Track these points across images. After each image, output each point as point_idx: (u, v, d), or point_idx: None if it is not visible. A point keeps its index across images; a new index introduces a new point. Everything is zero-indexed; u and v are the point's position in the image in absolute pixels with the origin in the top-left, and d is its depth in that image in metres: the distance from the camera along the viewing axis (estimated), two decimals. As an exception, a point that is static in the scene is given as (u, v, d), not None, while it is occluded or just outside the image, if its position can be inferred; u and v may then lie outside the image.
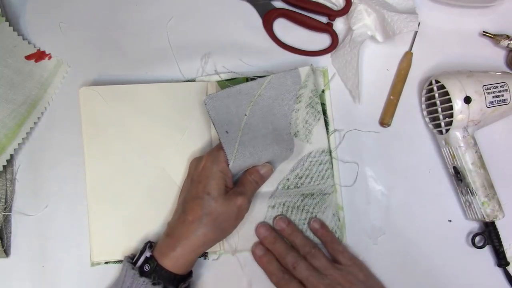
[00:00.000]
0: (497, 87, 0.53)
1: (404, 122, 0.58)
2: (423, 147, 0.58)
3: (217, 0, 0.61)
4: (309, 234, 0.55)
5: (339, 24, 0.61)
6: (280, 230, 0.54)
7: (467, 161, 0.54)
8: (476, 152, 0.54)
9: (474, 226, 0.57)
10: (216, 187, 0.49)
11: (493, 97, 0.53)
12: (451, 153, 0.55)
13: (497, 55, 0.60)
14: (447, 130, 0.54)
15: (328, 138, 0.57)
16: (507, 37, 0.58)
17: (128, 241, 0.54)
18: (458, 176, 0.55)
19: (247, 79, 0.58)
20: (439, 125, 0.55)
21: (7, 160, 0.54)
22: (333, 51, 0.60)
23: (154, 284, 0.47)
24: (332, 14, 0.59)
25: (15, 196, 0.56)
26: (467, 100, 0.52)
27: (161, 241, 0.50)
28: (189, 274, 0.50)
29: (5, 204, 0.55)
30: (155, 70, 0.59)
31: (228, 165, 0.51)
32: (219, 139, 0.51)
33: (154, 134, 0.56)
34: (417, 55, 0.59)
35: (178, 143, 0.56)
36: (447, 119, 0.54)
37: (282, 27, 0.61)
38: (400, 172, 0.58)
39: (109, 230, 0.54)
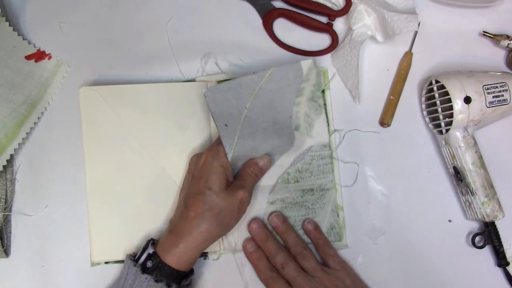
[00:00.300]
0: (497, 87, 0.53)
1: (404, 122, 0.58)
2: (423, 147, 0.58)
3: (217, 0, 0.61)
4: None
5: (339, 24, 0.61)
6: (274, 227, 0.54)
7: (467, 161, 0.54)
8: (476, 152, 0.54)
9: (474, 226, 0.57)
10: (218, 181, 0.49)
11: (493, 97, 0.53)
12: (451, 153, 0.55)
13: (497, 55, 0.60)
14: (447, 130, 0.54)
15: (329, 132, 0.57)
16: (507, 37, 0.58)
17: (128, 241, 0.54)
18: (458, 176, 0.55)
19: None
20: (439, 125, 0.55)
21: (7, 160, 0.54)
22: (333, 51, 0.60)
23: (156, 281, 0.46)
24: (332, 14, 0.59)
25: (15, 196, 0.56)
26: (467, 100, 0.52)
27: (163, 238, 0.50)
28: (191, 271, 0.50)
29: (5, 204, 0.55)
30: (155, 70, 0.59)
31: (228, 160, 0.51)
32: (218, 132, 0.51)
33: (154, 134, 0.56)
34: (417, 55, 0.59)
35: (178, 143, 0.56)
36: (447, 119, 0.54)
37: (282, 27, 0.61)
38: (400, 172, 0.58)
39: (109, 230, 0.54)
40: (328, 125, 0.58)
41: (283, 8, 0.60)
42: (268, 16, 0.60)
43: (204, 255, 0.55)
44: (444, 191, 0.58)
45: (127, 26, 0.60)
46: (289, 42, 0.60)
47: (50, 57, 0.59)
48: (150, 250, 0.49)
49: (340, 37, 0.60)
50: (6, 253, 0.54)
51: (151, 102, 0.56)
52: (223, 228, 0.50)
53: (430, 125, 0.57)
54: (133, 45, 0.60)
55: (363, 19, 0.58)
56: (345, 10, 0.59)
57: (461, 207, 0.57)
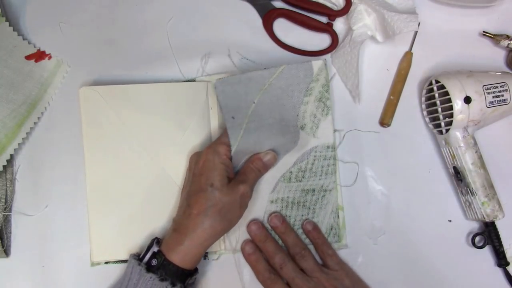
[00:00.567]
0: (497, 87, 0.53)
1: (404, 122, 0.58)
2: (423, 147, 0.58)
3: (217, 0, 0.61)
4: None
5: (339, 24, 0.61)
6: (273, 227, 0.55)
7: (467, 161, 0.54)
8: (476, 152, 0.54)
9: (474, 226, 0.57)
10: (219, 177, 0.49)
11: (493, 97, 0.53)
12: (451, 153, 0.55)
13: (497, 55, 0.60)
14: (447, 130, 0.54)
15: (333, 134, 0.57)
16: (507, 37, 0.58)
17: (128, 241, 0.54)
18: (458, 176, 0.55)
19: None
20: (439, 125, 0.55)
21: (7, 160, 0.54)
22: (333, 51, 0.60)
23: (161, 280, 0.46)
24: (332, 14, 0.59)
25: (15, 196, 0.56)
26: (467, 100, 0.52)
27: (168, 237, 0.49)
28: (195, 270, 0.50)
29: (5, 204, 0.55)
30: (155, 70, 0.59)
31: (228, 158, 0.51)
32: (225, 123, 0.51)
33: (154, 134, 0.56)
34: (417, 55, 0.59)
35: (178, 143, 0.56)
36: (447, 119, 0.54)
37: (282, 27, 0.61)
38: (400, 172, 0.58)
39: (109, 230, 0.54)
40: (331, 126, 0.58)
41: (283, 8, 0.60)
42: (268, 16, 0.60)
43: (204, 255, 0.55)
44: (444, 191, 0.58)
45: (127, 26, 0.60)
46: (289, 42, 0.60)
47: (50, 57, 0.59)
48: (155, 248, 0.49)
49: (340, 37, 0.60)
50: (6, 253, 0.54)
51: (151, 102, 0.56)
52: (227, 223, 0.50)
53: (430, 125, 0.57)
54: (133, 45, 0.60)
55: (363, 19, 0.58)
56: (345, 10, 0.59)
57: (461, 207, 0.57)
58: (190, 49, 0.59)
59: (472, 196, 0.54)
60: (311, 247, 0.55)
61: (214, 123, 0.57)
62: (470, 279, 0.56)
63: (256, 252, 0.54)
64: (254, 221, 0.55)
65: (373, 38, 0.58)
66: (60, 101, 0.58)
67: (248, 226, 0.54)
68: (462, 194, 0.56)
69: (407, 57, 0.59)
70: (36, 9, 0.60)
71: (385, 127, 0.58)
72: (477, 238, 0.55)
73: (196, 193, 0.49)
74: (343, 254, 0.56)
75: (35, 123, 0.56)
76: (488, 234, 0.55)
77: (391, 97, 0.58)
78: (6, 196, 0.55)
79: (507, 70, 0.60)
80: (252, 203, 0.54)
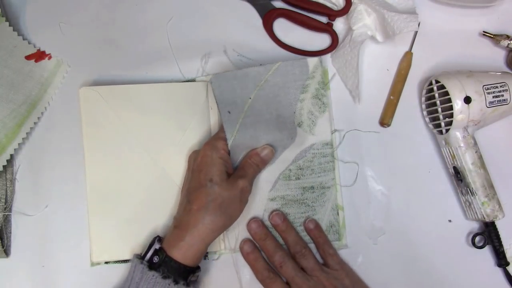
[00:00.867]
0: (497, 87, 0.53)
1: (404, 122, 0.58)
2: (423, 147, 0.58)
3: (217, 0, 0.61)
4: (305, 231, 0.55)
5: (339, 24, 0.61)
6: (274, 225, 0.55)
7: (467, 161, 0.54)
8: (476, 152, 0.54)
9: (474, 226, 0.57)
10: (218, 172, 0.49)
11: (493, 97, 0.53)
12: (451, 153, 0.55)
13: (497, 55, 0.60)
14: (447, 130, 0.54)
15: (331, 130, 0.57)
16: (507, 37, 0.58)
17: (128, 241, 0.54)
18: (458, 176, 0.55)
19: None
20: (439, 125, 0.55)
21: (7, 160, 0.54)
22: (333, 51, 0.60)
23: (164, 277, 0.46)
24: (332, 14, 0.59)
25: (15, 196, 0.56)
26: (467, 100, 0.52)
27: (169, 234, 0.49)
28: (198, 267, 0.50)
29: (5, 204, 0.55)
30: (155, 70, 0.59)
31: (227, 153, 0.51)
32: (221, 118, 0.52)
33: (154, 134, 0.56)
34: (417, 55, 0.59)
35: (178, 143, 0.56)
36: (447, 119, 0.54)
37: (282, 27, 0.61)
38: (400, 172, 0.58)
39: (109, 230, 0.54)
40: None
41: (283, 8, 0.60)
42: (268, 16, 0.60)
43: (204, 255, 0.55)
44: (444, 191, 0.58)
45: (127, 26, 0.60)
46: (289, 42, 0.60)
47: (50, 57, 0.59)
48: (156, 245, 0.49)
49: (340, 37, 0.60)
50: (6, 253, 0.54)
51: (151, 102, 0.56)
52: (228, 218, 0.50)
53: (430, 125, 0.57)
54: (133, 45, 0.60)
55: (363, 19, 0.58)
56: (345, 10, 0.59)
57: (461, 207, 0.57)
58: (190, 49, 0.59)
59: (472, 196, 0.54)
60: (311, 246, 0.55)
61: (214, 123, 0.57)
62: (470, 279, 0.56)
63: (255, 251, 0.54)
64: (254, 219, 0.55)
65: (373, 38, 0.58)
66: (60, 101, 0.58)
67: (248, 224, 0.54)
68: (462, 194, 0.56)
69: (407, 57, 0.59)
70: (36, 9, 0.60)
71: (385, 127, 0.58)
72: (477, 238, 0.55)
73: (195, 189, 0.49)
74: (343, 254, 0.56)
75: (35, 123, 0.56)
76: (488, 234, 0.55)
77: (391, 97, 0.58)
78: (6, 196, 0.55)
79: (507, 70, 0.60)
80: (251, 201, 0.54)
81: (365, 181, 0.57)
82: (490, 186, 0.54)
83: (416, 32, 0.59)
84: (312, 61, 0.57)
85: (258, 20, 0.60)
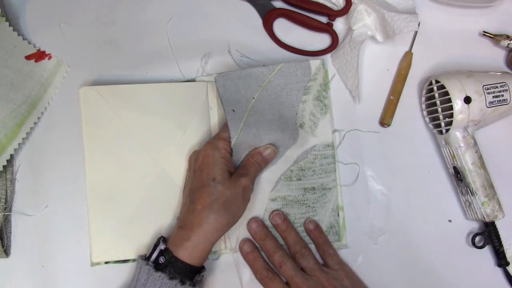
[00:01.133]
0: (497, 87, 0.53)
1: (404, 122, 0.58)
2: (423, 147, 0.58)
3: (217, 0, 0.61)
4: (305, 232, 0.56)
5: (339, 24, 0.61)
6: (274, 225, 0.55)
7: (467, 161, 0.54)
8: (476, 152, 0.54)
9: (474, 226, 0.57)
10: (220, 172, 0.49)
11: (493, 97, 0.53)
12: (451, 153, 0.55)
13: (497, 55, 0.60)
14: (447, 130, 0.54)
15: (333, 133, 0.57)
16: (507, 37, 0.58)
17: (128, 241, 0.54)
18: (458, 176, 0.55)
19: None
20: (439, 125, 0.55)
21: (7, 160, 0.54)
22: (333, 51, 0.60)
23: (171, 278, 0.46)
24: (332, 14, 0.59)
25: (15, 196, 0.56)
26: (467, 100, 0.52)
27: (174, 234, 0.49)
28: (203, 267, 0.50)
29: (5, 204, 0.55)
30: (155, 70, 0.59)
31: (228, 152, 0.51)
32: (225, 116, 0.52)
33: (154, 134, 0.56)
34: (417, 55, 0.59)
35: (178, 143, 0.56)
36: (447, 119, 0.54)
37: (282, 27, 0.61)
38: (400, 172, 0.58)
39: (109, 230, 0.54)
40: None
41: (283, 8, 0.60)
42: (268, 16, 0.60)
43: (204, 255, 0.55)
44: (444, 191, 0.58)
45: (127, 26, 0.60)
46: (289, 42, 0.60)
47: (50, 57, 0.59)
48: (161, 246, 0.49)
49: (340, 37, 0.60)
50: (6, 253, 0.54)
51: (151, 102, 0.56)
52: (232, 217, 0.50)
53: (430, 125, 0.57)
54: (133, 45, 0.60)
55: (363, 19, 0.58)
56: (345, 10, 0.59)
57: (461, 207, 0.57)
58: (190, 49, 0.59)
59: (472, 196, 0.54)
60: (311, 246, 0.55)
61: (214, 123, 0.57)
62: (470, 279, 0.56)
63: (254, 251, 0.54)
64: (254, 219, 0.55)
65: (373, 38, 0.58)
66: (60, 101, 0.58)
67: (248, 224, 0.54)
68: (462, 194, 0.56)
69: (407, 57, 0.59)
70: (36, 9, 0.60)
71: (385, 127, 0.58)
72: (477, 238, 0.55)
73: (198, 189, 0.49)
74: (343, 254, 0.56)
75: (35, 123, 0.56)
76: (488, 234, 0.55)
77: (391, 97, 0.58)
78: (6, 196, 0.55)
79: (507, 70, 0.60)
80: (252, 201, 0.54)
81: (365, 181, 0.57)
82: (490, 186, 0.54)
83: (416, 32, 0.59)
84: (314, 63, 0.57)
85: (258, 20, 0.60)
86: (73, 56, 0.59)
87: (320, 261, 0.55)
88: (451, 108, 0.53)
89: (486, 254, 0.56)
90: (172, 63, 0.59)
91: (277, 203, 0.55)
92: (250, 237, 0.55)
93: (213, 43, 0.60)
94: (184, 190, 0.54)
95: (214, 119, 0.57)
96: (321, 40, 0.60)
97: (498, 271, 0.56)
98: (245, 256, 0.54)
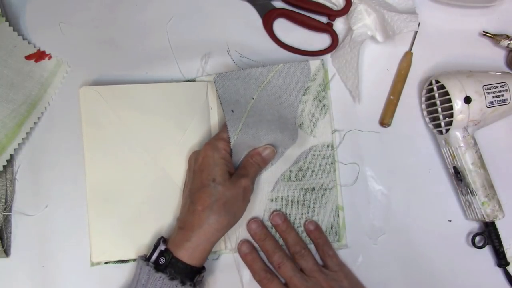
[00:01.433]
0: (497, 87, 0.53)
1: (404, 122, 0.58)
2: (423, 147, 0.58)
3: (217, 0, 0.61)
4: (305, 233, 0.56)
5: (339, 24, 0.61)
6: (274, 225, 0.55)
7: (467, 161, 0.54)
8: (476, 152, 0.54)
9: (474, 226, 0.57)
10: (220, 172, 0.49)
11: (493, 97, 0.53)
12: (451, 153, 0.55)
13: (497, 55, 0.60)
14: (447, 130, 0.54)
15: (332, 133, 0.57)
16: (507, 37, 0.58)
17: (128, 241, 0.54)
18: (458, 176, 0.55)
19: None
20: (439, 125, 0.55)
21: (7, 160, 0.54)
22: (333, 51, 0.60)
23: (171, 279, 0.46)
24: (332, 14, 0.59)
25: (15, 196, 0.56)
26: (467, 100, 0.52)
27: (174, 235, 0.50)
28: (203, 267, 0.50)
29: (5, 204, 0.55)
30: (155, 70, 0.59)
31: (228, 153, 0.51)
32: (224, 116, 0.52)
33: (154, 134, 0.56)
34: (417, 55, 0.59)
35: (178, 143, 0.56)
36: (447, 119, 0.54)
37: (282, 27, 0.61)
38: (400, 172, 0.58)
39: (109, 230, 0.54)
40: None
41: (283, 8, 0.60)
42: (268, 16, 0.60)
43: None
44: (444, 191, 0.58)
45: (127, 26, 0.60)
46: (289, 42, 0.60)
47: (50, 57, 0.59)
48: (162, 247, 0.49)
49: (340, 37, 0.60)
50: (6, 253, 0.54)
51: (151, 102, 0.56)
52: (232, 217, 0.50)
53: (430, 125, 0.57)
54: (133, 45, 0.60)
55: (363, 19, 0.58)
56: (345, 10, 0.59)
57: (461, 207, 0.57)
58: (190, 49, 0.59)
59: (472, 196, 0.54)
60: (311, 247, 0.55)
61: (214, 123, 0.57)
62: (470, 279, 0.56)
63: (253, 251, 0.54)
64: (254, 219, 0.55)
65: (373, 38, 0.58)
66: (60, 101, 0.58)
67: (248, 224, 0.54)
68: (462, 194, 0.56)
69: (407, 57, 0.59)
70: (36, 9, 0.60)
71: (385, 127, 0.58)
72: (477, 238, 0.55)
73: (198, 189, 0.49)
74: (343, 254, 0.56)
75: (35, 123, 0.56)
76: (488, 234, 0.55)
77: (391, 97, 0.58)
78: (6, 196, 0.55)
79: (507, 70, 0.60)
80: (252, 201, 0.54)
81: (365, 181, 0.57)
82: (490, 186, 0.54)
83: (416, 32, 0.59)
84: (314, 63, 0.57)
85: (258, 20, 0.60)
86: (73, 56, 0.59)
87: (320, 262, 0.55)
88: (451, 108, 0.53)
89: (486, 254, 0.56)
90: (172, 63, 0.59)
91: (277, 204, 0.55)
92: (250, 237, 0.55)
93: (213, 43, 0.60)
94: (184, 190, 0.54)
95: (214, 119, 0.57)
96: (321, 40, 0.60)
97: (498, 271, 0.56)
98: (243, 257, 0.54)
